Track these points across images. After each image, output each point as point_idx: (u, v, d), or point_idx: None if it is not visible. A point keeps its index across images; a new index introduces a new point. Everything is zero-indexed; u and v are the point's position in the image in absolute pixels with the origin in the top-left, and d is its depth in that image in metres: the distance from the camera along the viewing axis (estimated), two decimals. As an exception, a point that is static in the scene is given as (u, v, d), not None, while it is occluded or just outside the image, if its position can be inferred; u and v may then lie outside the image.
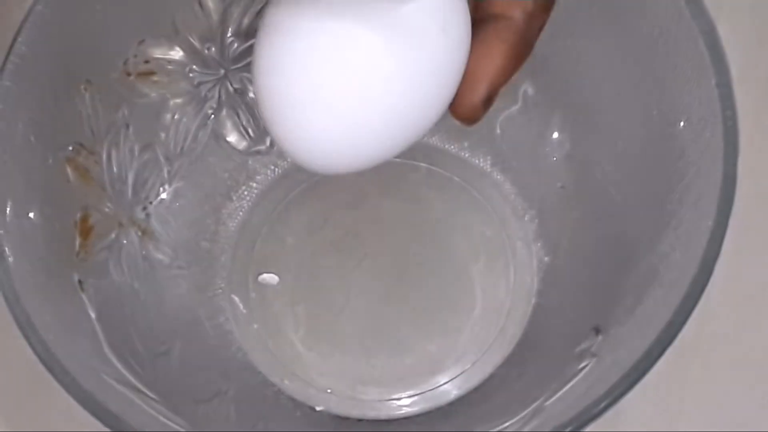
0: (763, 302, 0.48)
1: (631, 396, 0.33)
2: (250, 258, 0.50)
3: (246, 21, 0.46)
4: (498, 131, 0.49)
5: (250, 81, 0.47)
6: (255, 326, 0.48)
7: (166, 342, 0.43)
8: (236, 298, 0.49)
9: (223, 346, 0.47)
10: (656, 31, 0.38)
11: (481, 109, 0.33)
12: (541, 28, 0.33)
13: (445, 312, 0.48)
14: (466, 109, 0.33)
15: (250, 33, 0.46)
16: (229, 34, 0.46)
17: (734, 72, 0.36)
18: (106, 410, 0.34)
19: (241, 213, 0.50)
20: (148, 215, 0.46)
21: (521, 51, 0.33)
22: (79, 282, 0.40)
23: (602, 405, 0.33)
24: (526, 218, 0.49)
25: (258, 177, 0.51)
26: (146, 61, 0.45)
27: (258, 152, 0.50)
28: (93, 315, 0.39)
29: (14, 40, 0.38)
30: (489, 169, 0.50)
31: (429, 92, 0.31)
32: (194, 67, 0.47)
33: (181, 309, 0.47)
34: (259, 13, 0.46)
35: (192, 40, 0.46)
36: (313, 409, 0.47)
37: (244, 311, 0.49)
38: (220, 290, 0.49)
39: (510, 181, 0.50)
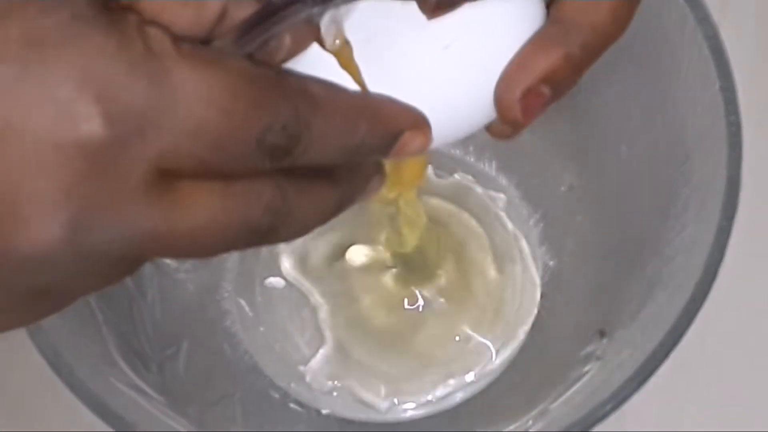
0: (766, 306, 0.48)
1: (635, 398, 0.34)
2: (257, 261, 0.50)
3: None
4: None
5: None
6: (261, 329, 0.48)
7: (173, 345, 0.43)
8: (243, 302, 0.49)
9: (229, 349, 0.48)
10: (660, 36, 0.38)
11: (517, 108, 0.27)
12: (596, 57, 0.28)
13: (451, 315, 0.48)
14: (499, 105, 0.27)
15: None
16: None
17: (738, 77, 0.36)
18: (114, 412, 0.34)
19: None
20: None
21: (578, 66, 0.27)
22: (87, 285, 0.40)
23: (607, 408, 0.33)
24: (531, 222, 0.49)
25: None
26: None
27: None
28: (100, 318, 0.39)
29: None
30: (494, 173, 0.51)
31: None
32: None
33: (188, 312, 0.47)
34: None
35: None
36: (319, 412, 0.47)
37: (251, 314, 0.49)
38: (227, 293, 0.49)
39: (515, 185, 0.50)
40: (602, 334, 0.39)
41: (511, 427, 0.39)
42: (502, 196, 0.50)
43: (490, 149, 0.51)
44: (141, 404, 0.37)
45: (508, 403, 0.43)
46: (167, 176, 0.21)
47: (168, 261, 0.46)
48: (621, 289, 0.40)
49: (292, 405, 0.46)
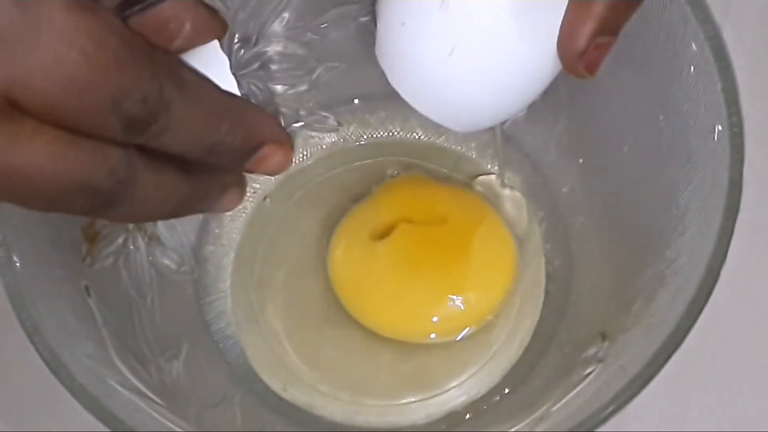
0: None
1: (637, 401, 0.33)
2: (254, 261, 0.50)
3: (252, 25, 0.46)
4: (503, 135, 0.49)
5: (257, 86, 0.47)
6: (257, 331, 0.48)
7: (172, 347, 0.43)
8: (239, 303, 0.49)
9: (226, 352, 0.47)
10: (662, 37, 0.38)
11: (581, 68, 0.29)
12: None
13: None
14: (566, 68, 0.29)
15: (257, 39, 0.47)
16: (236, 40, 0.46)
17: (740, 78, 0.36)
18: (112, 415, 0.34)
19: (243, 215, 0.51)
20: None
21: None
22: (86, 287, 0.40)
23: (608, 410, 0.33)
24: (533, 223, 0.49)
25: (261, 179, 0.51)
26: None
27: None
28: (100, 320, 0.39)
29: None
30: (497, 171, 0.50)
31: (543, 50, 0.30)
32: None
33: (187, 314, 0.47)
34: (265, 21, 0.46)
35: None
36: (316, 415, 0.46)
37: (247, 316, 0.49)
38: (223, 294, 0.49)
39: (519, 183, 0.50)
40: (604, 336, 0.39)
41: (513, 430, 0.39)
42: (505, 193, 0.50)
43: (491, 148, 0.50)
44: (140, 406, 0.37)
45: (510, 406, 0.43)
46: (13, 108, 0.21)
47: (167, 262, 0.46)
48: (623, 290, 0.40)
49: (288, 408, 0.46)
